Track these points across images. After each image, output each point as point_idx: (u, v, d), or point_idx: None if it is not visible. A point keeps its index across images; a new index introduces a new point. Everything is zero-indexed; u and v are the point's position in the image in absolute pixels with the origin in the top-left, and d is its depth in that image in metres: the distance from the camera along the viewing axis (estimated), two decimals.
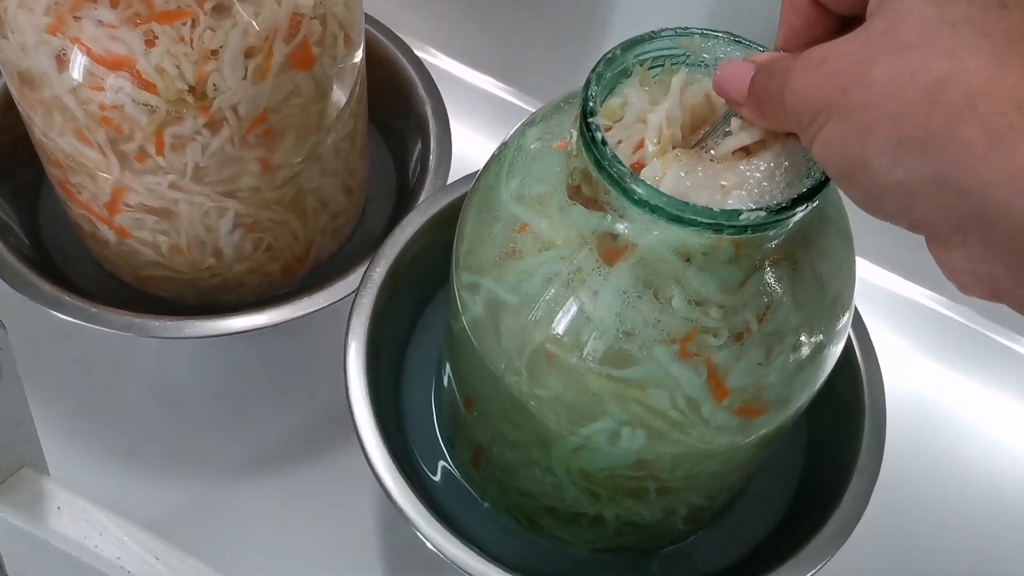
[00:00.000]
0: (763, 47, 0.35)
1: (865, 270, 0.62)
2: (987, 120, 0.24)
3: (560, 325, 0.35)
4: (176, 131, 0.43)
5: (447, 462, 0.49)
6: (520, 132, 0.40)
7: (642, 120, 0.35)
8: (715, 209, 0.31)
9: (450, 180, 0.56)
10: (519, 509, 0.46)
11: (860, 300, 0.56)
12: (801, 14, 0.31)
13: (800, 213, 0.32)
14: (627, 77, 0.36)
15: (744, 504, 0.49)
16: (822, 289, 0.37)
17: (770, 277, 0.34)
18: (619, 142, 0.35)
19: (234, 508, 0.51)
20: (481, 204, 0.39)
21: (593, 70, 0.35)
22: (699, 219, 0.31)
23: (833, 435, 0.50)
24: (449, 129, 0.58)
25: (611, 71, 0.35)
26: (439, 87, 0.60)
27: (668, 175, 0.33)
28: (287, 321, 0.49)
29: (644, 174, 0.33)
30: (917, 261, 0.61)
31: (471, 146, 0.63)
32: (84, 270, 0.56)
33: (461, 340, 0.41)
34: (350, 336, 0.47)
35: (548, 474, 0.41)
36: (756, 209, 0.31)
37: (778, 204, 0.31)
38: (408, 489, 0.42)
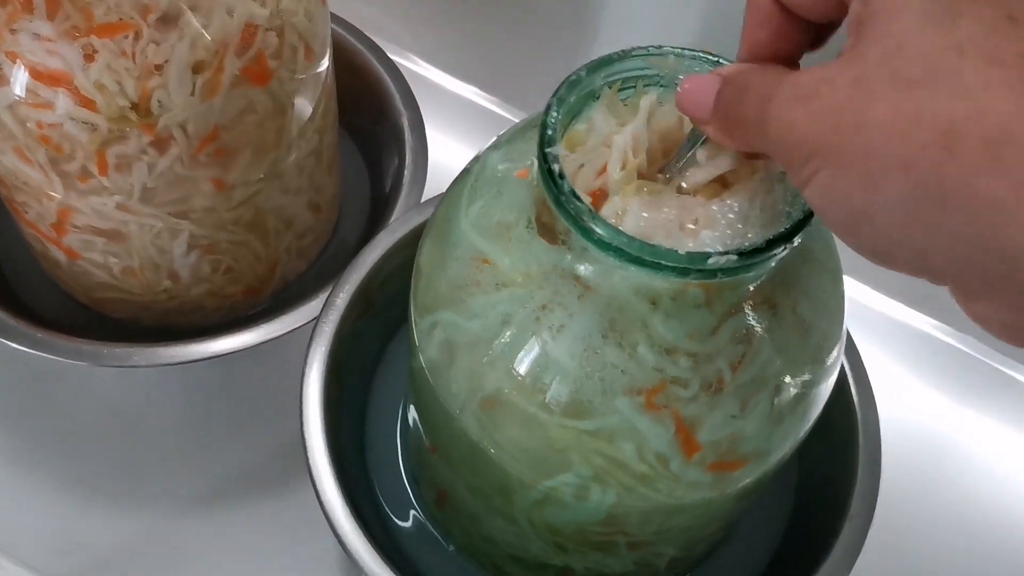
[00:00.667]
0: None
1: (861, 294, 0.58)
2: (1015, 172, 0.21)
3: (517, 369, 0.32)
4: (120, 151, 0.40)
5: (412, 502, 0.46)
6: (485, 155, 0.37)
7: (607, 144, 0.32)
8: (680, 252, 0.28)
9: (427, 195, 0.54)
10: (485, 555, 0.43)
11: (855, 325, 0.53)
12: (767, 24, 0.28)
13: (778, 255, 0.29)
14: (595, 100, 0.33)
15: (729, 549, 0.46)
16: (806, 332, 0.34)
17: (746, 322, 0.31)
18: (581, 166, 0.32)
19: (190, 542, 0.49)
20: (440, 231, 0.37)
21: (555, 94, 0.32)
22: (663, 263, 0.28)
23: (826, 474, 0.47)
24: (426, 142, 0.55)
25: (576, 94, 0.32)
26: (419, 95, 0.57)
27: (630, 212, 0.30)
28: (243, 349, 0.46)
29: (605, 210, 0.30)
30: (917, 286, 0.58)
31: (451, 157, 0.60)
32: (41, 290, 0.53)
33: (419, 378, 0.38)
34: (308, 368, 0.44)
35: (511, 524, 0.38)
36: (726, 252, 0.28)
37: (751, 246, 0.29)
38: (362, 536, 0.39)
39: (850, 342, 0.48)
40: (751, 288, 0.31)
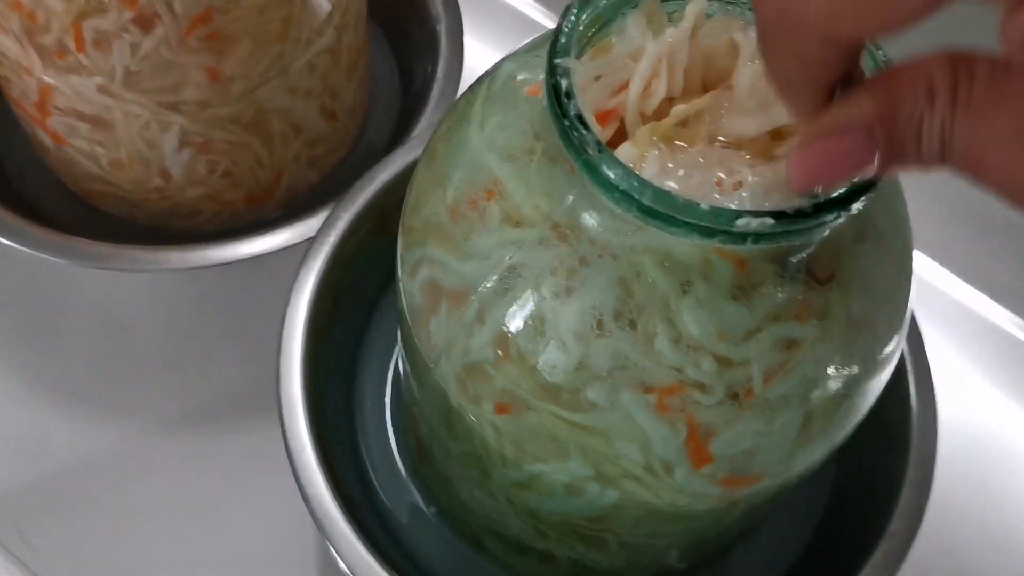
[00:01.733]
0: None
1: (933, 274, 0.51)
2: None
3: (509, 333, 0.27)
4: (97, 25, 0.36)
5: (394, 453, 0.42)
6: (501, 63, 0.31)
7: (635, 57, 0.26)
8: (702, 206, 0.22)
9: None
10: (463, 523, 0.38)
11: (922, 309, 0.46)
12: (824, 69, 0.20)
13: (828, 223, 0.23)
14: (632, 8, 0.27)
15: (743, 552, 0.40)
16: (859, 334, 0.28)
17: (789, 329, 0.25)
18: (597, 78, 0.26)
19: (161, 461, 0.45)
20: (447, 144, 0.31)
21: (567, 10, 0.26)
22: (681, 217, 0.22)
23: (868, 476, 0.41)
24: (462, 51, 0.49)
25: None
26: None
27: (651, 159, 0.24)
28: (234, 261, 0.42)
29: (621, 150, 0.25)
30: (1003, 278, 0.51)
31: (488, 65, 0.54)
32: (38, 183, 0.49)
33: (402, 319, 0.33)
34: (295, 293, 0.39)
35: (490, 497, 0.33)
36: (762, 213, 0.22)
37: (794, 208, 0.22)
38: (329, 495, 0.35)
39: (915, 330, 0.41)
40: (799, 281, 0.25)
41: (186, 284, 0.49)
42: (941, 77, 0.19)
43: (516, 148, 0.27)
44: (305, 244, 0.42)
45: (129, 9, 0.35)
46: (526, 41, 0.32)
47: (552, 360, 0.27)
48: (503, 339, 0.27)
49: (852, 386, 0.28)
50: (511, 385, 0.27)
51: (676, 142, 0.25)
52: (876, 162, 0.20)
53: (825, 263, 0.26)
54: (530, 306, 0.27)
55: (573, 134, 0.23)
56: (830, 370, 0.27)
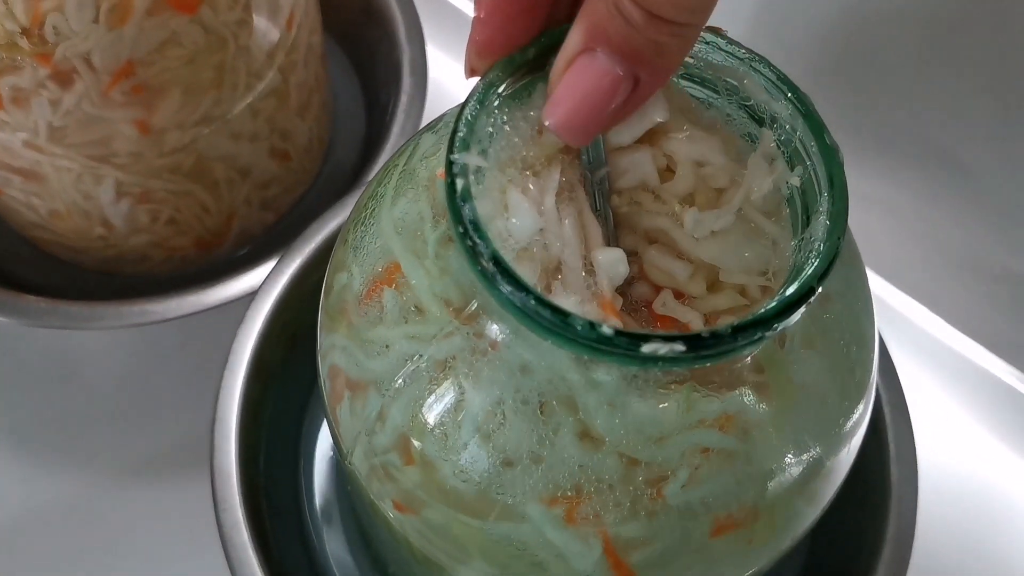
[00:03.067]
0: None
1: (922, 318, 0.48)
2: None
3: (406, 436, 0.25)
4: (13, 82, 0.34)
5: (340, 516, 0.40)
6: (420, 136, 0.29)
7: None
8: (606, 330, 0.20)
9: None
10: None
11: (901, 348, 0.43)
12: None
13: (749, 346, 0.21)
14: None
15: None
16: (818, 408, 0.25)
17: (710, 437, 0.23)
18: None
19: (107, 514, 0.44)
20: (358, 219, 0.29)
21: (482, 79, 0.23)
22: (581, 340, 0.20)
23: (846, 535, 0.39)
24: (425, 83, 0.47)
25: (517, 76, 0.24)
26: (430, 24, 0.49)
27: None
28: (171, 319, 0.40)
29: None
30: (993, 325, 0.47)
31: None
32: None
33: (323, 399, 0.31)
34: (231, 360, 0.38)
35: None
36: (673, 337, 0.20)
37: (708, 331, 0.20)
38: (257, 570, 0.33)
39: (894, 379, 0.38)
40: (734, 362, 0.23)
41: (136, 334, 0.47)
42: None
43: (421, 235, 0.25)
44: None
45: (44, 66, 0.33)
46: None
47: (453, 463, 0.25)
48: (403, 439, 0.25)
49: (805, 479, 0.26)
50: (414, 488, 0.25)
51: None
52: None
53: (759, 357, 0.24)
54: (433, 406, 0.25)
55: (466, 242, 0.21)
56: (773, 472, 0.25)
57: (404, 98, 0.46)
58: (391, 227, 0.27)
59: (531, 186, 0.24)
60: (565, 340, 0.20)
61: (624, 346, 0.20)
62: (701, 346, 0.20)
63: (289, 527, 0.39)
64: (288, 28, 0.39)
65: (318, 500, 0.40)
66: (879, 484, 0.38)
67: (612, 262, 0.23)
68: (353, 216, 0.29)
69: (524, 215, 0.23)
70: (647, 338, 0.20)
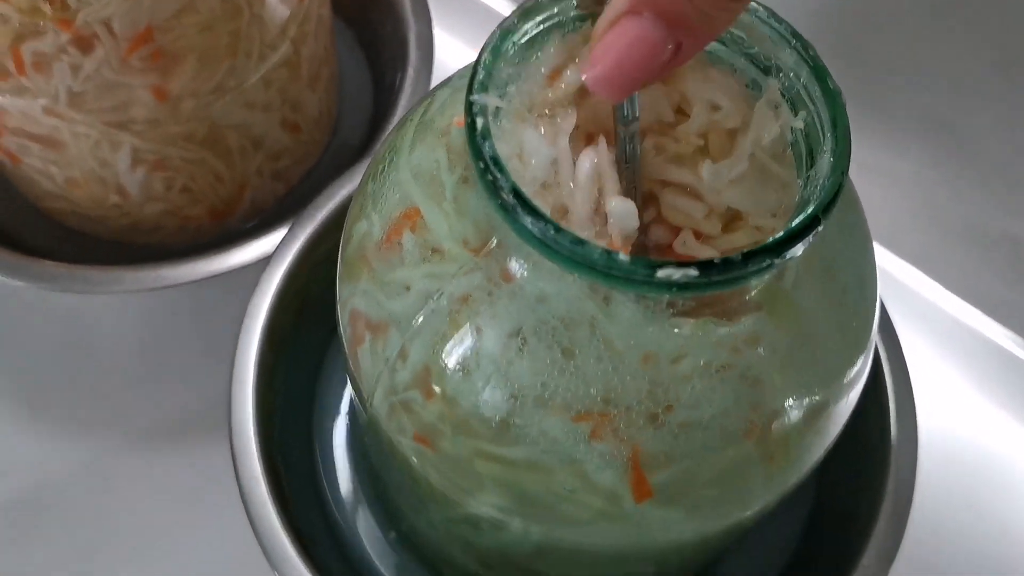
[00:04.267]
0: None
1: (919, 284, 0.49)
2: None
3: (427, 371, 0.26)
4: (35, 47, 0.35)
5: (353, 473, 0.41)
6: (437, 89, 0.30)
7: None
8: (621, 258, 0.21)
9: None
10: (420, 551, 0.37)
11: (907, 319, 0.44)
12: None
13: (760, 272, 0.22)
14: (569, 32, 0.26)
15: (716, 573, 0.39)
16: (819, 342, 0.26)
17: (732, 339, 0.24)
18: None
19: (127, 479, 0.44)
20: (378, 169, 0.30)
21: (500, 25, 0.24)
22: (599, 268, 0.21)
23: (844, 503, 0.40)
24: (431, 57, 0.48)
25: (534, 23, 0.25)
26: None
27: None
28: (185, 283, 0.41)
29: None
30: (992, 288, 0.49)
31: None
32: (5, 203, 0.49)
33: (342, 348, 0.32)
34: (247, 322, 0.39)
35: (433, 529, 0.32)
36: (686, 263, 0.21)
37: (720, 258, 0.21)
38: (281, 532, 0.34)
39: (895, 343, 0.39)
40: (743, 292, 0.24)
41: (151, 300, 0.48)
42: None
43: (438, 179, 0.26)
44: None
45: (66, 31, 0.34)
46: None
47: (472, 389, 0.25)
48: (425, 374, 0.26)
49: (815, 401, 0.27)
50: (436, 422, 0.26)
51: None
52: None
53: (766, 289, 0.25)
54: (453, 340, 0.25)
55: (487, 177, 0.22)
56: (785, 384, 0.26)
57: (411, 72, 0.47)
58: (409, 174, 0.27)
59: (545, 129, 0.25)
60: (583, 268, 0.21)
61: (640, 272, 0.21)
62: (713, 271, 0.21)
63: (304, 484, 0.39)
64: (300, 0, 0.40)
65: (332, 461, 0.41)
66: (879, 441, 0.39)
67: (624, 213, 0.23)
68: (371, 169, 0.30)
69: (538, 153, 0.23)
70: (661, 264, 0.21)
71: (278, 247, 0.40)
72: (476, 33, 0.55)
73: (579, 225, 0.24)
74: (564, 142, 0.24)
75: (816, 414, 0.27)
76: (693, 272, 0.21)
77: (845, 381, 0.28)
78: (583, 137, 0.26)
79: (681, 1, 0.20)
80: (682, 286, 0.21)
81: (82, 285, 0.40)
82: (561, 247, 0.21)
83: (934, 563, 0.43)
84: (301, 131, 0.46)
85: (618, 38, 0.21)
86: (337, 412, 0.42)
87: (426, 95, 0.30)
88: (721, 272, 0.21)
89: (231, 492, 0.40)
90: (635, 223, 0.23)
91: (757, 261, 0.21)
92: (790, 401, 0.26)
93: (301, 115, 0.45)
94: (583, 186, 0.24)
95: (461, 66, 0.31)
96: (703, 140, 0.24)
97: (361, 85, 0.53)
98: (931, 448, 0.44)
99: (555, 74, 0.25)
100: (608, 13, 0.21)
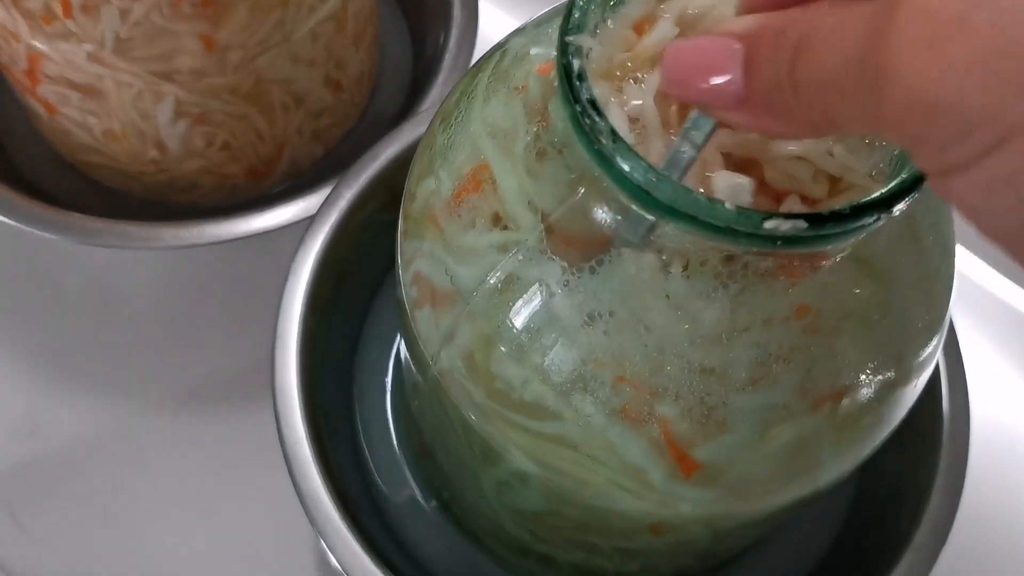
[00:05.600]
0: None
1: (970, 267, 0.48)
2: None
3: (494, 333, 0.25)
4: None
5: (395, 440, 0.40)
6: (510, 38, 0.29)
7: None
8: (728, 207, 0.20)
9: None
10: (463, 520, 0.37)
11: (957, 304, 0.44)
12: None
13: (866, 227, 0.21)
14: None
15: (755, 557, 0.38)
16: (894, 326, 0.25)
17: (804, 314, 0.23)
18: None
19: (156, 443, 0.44)
20: (445, 122, 0.29)
21: None
22: (702, 217, 0.20)
23: (895, 473, 0.39)
24: (476, 16, 0.47)
25: None
26: None
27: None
28: (226, 240, 0.40)
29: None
30: None
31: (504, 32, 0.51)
32: (35, 154, 0.47)
33: (400, 309, 0.31)
34: (292, 275, 0.38)
35: (482, 498, 0.31)
36: (794, 215, 0.20)
37: (830, 210, 0.20)
38: (323, 493, 0.33)
39: (949, 327, 0.39)
40: (822, 263, 0.23)
41: (184, 261, 0.47)
42: (844, 6, 0.17)
43: (518, 135, 0.25)
44: (307, 222, 0.40)
45: None
46: (545, 9, 0.29)
47: (549, 360, 0.25)
48: (490, 338, 0.25)
49: (882, 384, 0.26)
50: (500, 384, 0.26)
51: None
52: (737, 79, 0.18)
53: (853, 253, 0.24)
54: (521, 306, 0.25)
55: (584, 121, 0.21)
56: (842, 377, 0.25)
57: (455, 33, 0.46)
58: (482, 129, 0.26)
59: (629, 87, 0.24)
60: (684, 218, 0.20)
61: (747, 222, 0.20)
62: (822, 223, 0.20)
63: (345, 449, 0.39)
64: None
65: (373, 427, 0.40)
66: (930, 418, 0.38)
67: (734, 188, 0.22)
68: (439, 119, 0.29)
69: (617, 118, 0.22)
70: (769, 215, 0.20)
71: (321, 207, 0.39)
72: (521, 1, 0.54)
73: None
74: (650, 102, 0.23)
75: (884, 391, 0.26)
76: (802, 224, 0.20)
77: (920, 359, 0.27)
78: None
79: (774, 79, 0.18)
80: (789, 239, 0.20)
81: (120, 240, 0.39)
82: (663, 193, 0.20)
83: (985, 544, 0.42)
84: (343, 90, 0.45)
85: (704, 51, 0.19)
86: (379, 377, 0.41)
87: (496, 45, 0.29)
88: (831, 225, 0.20)
89: (267, 456, 0.40)
90: (748, 199, 0.22)
91: (866, 214, 0.20)
92: (864, 375, 0.25)
93: (344, 73, 0.44)
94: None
95: (505, 35, 0.30)
96: None
97: (401, 50, 0.52)
98: (981, 432, 0.43)
99: (640, 25, 0.24)
100: (723, 25, 0.19)
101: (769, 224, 0.20)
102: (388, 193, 0.42)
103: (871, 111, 0.16)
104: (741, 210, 0.20)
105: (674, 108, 0.23)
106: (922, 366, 0.27)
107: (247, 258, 0.47)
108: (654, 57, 0.24)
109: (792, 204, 0.23)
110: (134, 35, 0.35)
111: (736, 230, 0.20)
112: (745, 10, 0.19)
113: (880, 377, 0.26)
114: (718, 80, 0.18)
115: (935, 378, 0.38)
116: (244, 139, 0.42)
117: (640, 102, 0.23)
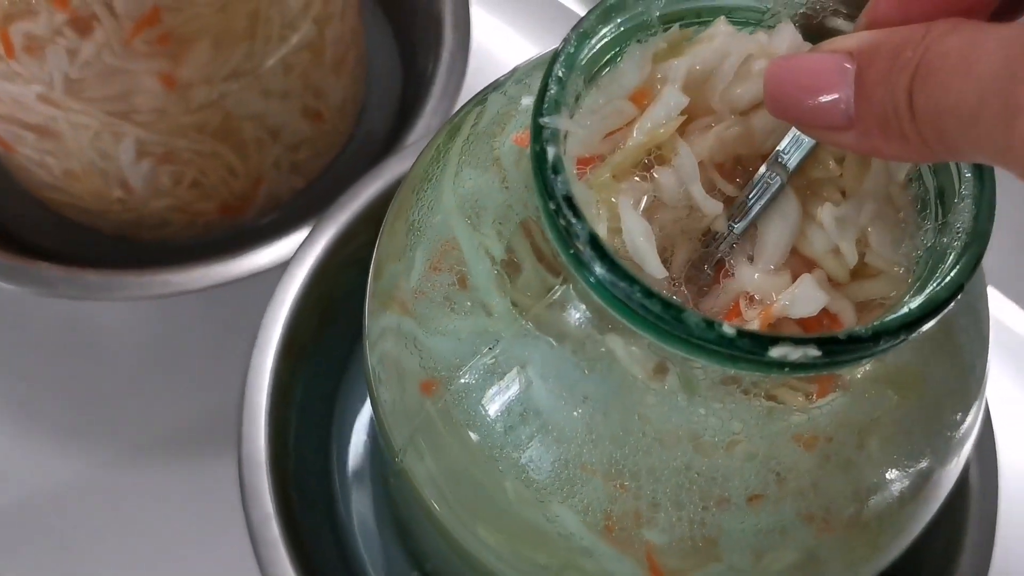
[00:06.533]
0: None
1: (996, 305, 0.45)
2: None
3: (466, 423, 0.22)
4: (27, 29, 0.31)
5: (374, 504, 0.37)
6: (488, 94, 0.26)
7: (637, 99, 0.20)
8: (728, 330, 0.17)
9: (464, 96, 0.43)
10: None
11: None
12: None
13: (887, 350, 0.18)
14: (648, 37, 0.21)
15: None
16: (926, 424, 0.22)
17: (806, 454, 0.20)
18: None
19: (126, 494, 0.41)
20: (415, 193, 0.26)
21: (575, 28, 0.20)
22: (695, 340, 0.17)
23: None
24: (468, 40, 0.43)
25: (613, 26, 0.20)
26: None
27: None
28: (194, 290, 0.37)
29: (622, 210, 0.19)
30: None
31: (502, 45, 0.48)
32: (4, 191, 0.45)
33: (368, 385, 0.28)
34: (261, 335, 0.35)
35: None
36: (804, 340, 0.17)
37: (846, 334, 0.17)
38: (289, 568, 0.31)
39: None
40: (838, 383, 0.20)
41: (157, 304, 0.44)
42: (971, 26, 0.16)
43: (490, 213, 0.22)
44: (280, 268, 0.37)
45: (61, 11, 0.30)
46: (539, 53, 0.26)
47: (526, 457, 0.22)
48: (461, 434, 0.22)
49: (895, 510, 0.23)
50: (471, 481, 0.23)
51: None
52: (847, 99, 0.17)
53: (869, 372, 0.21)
54: (507, 411, 0.22)
55: (559, 221, 0.18)
56: (855, 498, 0.22)
57: (445, 56, 0.43)
58: (454, 205, 0.23)
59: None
60: (672, 339, 0.17)
61: (748, 349, 0.17)
62: (837, 350, 0.17)
63: (321, 519, 0.36)
64: None
65: (352, 491, 0.37)
66: (958, 484, 0.35)
67: (809, 298, 0.19)
68: (408, 186, 0.26)
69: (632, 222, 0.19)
70: (775, 340, 0.17)
71: (297, 251, 0.37)
72: (518, 12, 0.51)
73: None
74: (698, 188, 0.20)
75: (912, 495, 0.23)
76: (814, 351, 0.17)
77: (949, 464, 0.24)
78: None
79: (889, 102, 0.16)
80: (798, 366, 0.17)
81: (80, 291, 0.36)
82: (649, 314, 0.17)
83: None
84: (324, 120, 0.42)
85: (814, 70, 0.17)
86: (360, 431, 0.39)
87: (475, 98, 0.26)
88: (846, 351, 0.17)
89: (238, 514, 0.37)
90: (814, 309, 0.19)
91: (889, 338, 0.17)
92: (884, 484, 0.22)
93: (324, 103, 0.41)
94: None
95: (502, 49, 0.27)
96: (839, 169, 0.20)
97: (389, 68, 0.49)
98: (1010, 485, 0.40)
99: (640, 95, 0.21)
100: (835, 42, 0.18)
101: (776, 352, 0.17)
102: (373, 228, 0.39)
103: (999, 144, 0.15)
104: (742, 333, 0.17)
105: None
106: (953, 460, 0.24)
107: (224, 300, 0.44)
108: (672, 140, 0.21)
109: (817, 279, 0.19)
110: (85, 75, 0.32)
111: (735, 356, 0.17)
112: (866, 26, 0.18)
113: (903, 488, 0.23)
114: (826, 99, 0.17)
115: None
116: (215, 176, 0.39)
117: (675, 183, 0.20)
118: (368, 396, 0.31)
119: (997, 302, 0.44)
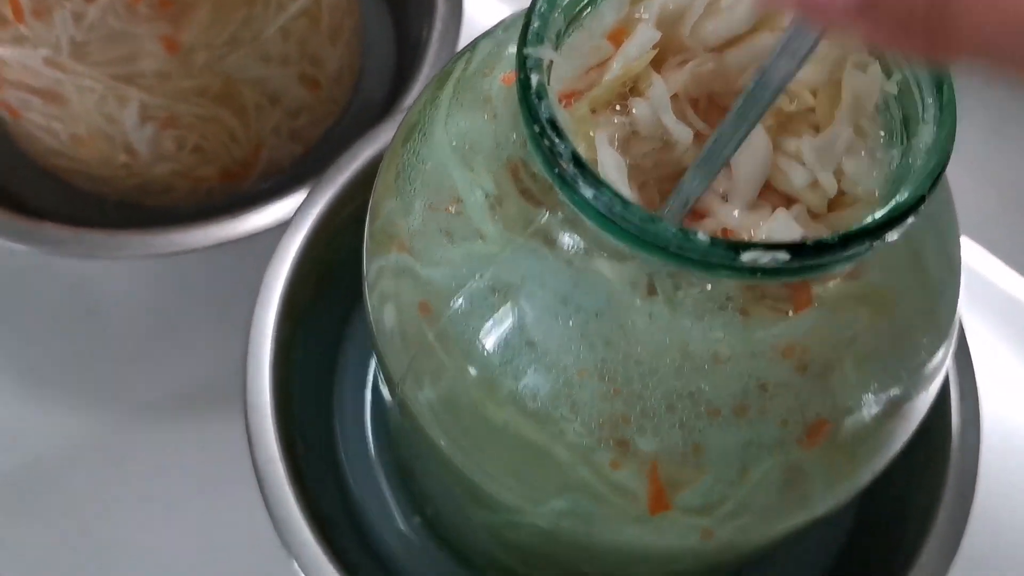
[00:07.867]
0: None
1: (981, 262, 0.46)
2: None
3: (464, 352, 0.23)
4: None
5: (375, 455, 0.38)
6: (478, 41, 0.27)
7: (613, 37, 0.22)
8: (700, 238, 0.18)
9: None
10: (448, 539, 0.35)
11: (968, 301, 0.42)
12: None
13: (856, 257, 0.19)
14: None
15: (756, 572, 0.37)
16: (896, 340, 0.24)
17: (800, 334, 0.21)
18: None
19: (134, 454, 0.42)
20: (408, 138, 0.27)
21: None
22: (672, 248, 0.18)
23: (898, 494, 0.37)
24: (461, 9, 0.45)
25: None
26: None
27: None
28: (198, 249, 0.38)
29: (599, 144, 0.20)
30: None
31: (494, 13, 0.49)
32: (7, 160, 0.46)
33: (369, 331, 0.29)
34: (263, 292, 0.36)
35: (468, 527, 0.30)
36: (775, 245, 0.18)
37: (814, 240, 0.18)
38: (298, 516, 0.32)
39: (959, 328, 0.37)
40: (811, 292, 0.21)
41: (160, 266, 0.45)
42: None
43: (482, 148, 0.23)
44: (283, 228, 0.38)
45: None
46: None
47: (522, 383, 0.23)
48: (461, 357, 0.24)
49: (875, 424, 0.24)
50: (470, 405, 0.24)
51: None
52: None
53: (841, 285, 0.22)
54: (492, 326, 0.23)
55: (543, 142, 0.19)
56: (854, 399, 0.23)
57: (438, 25, 0.44)
58: (447, 143, 0.25)
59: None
60: (651, 248, 0.19)
61: (720, 255, 0.18)
62: (805, 255, 0.18)
63: (323, 465, 0.37)
64: None
65: (352, 439, 0.39)
66: (938, 429, 0.36)
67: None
68: (402, 133, 0.27)
69: (607, 156, 0.20)
70: (746, 246, 0.18)
71: (297, 211, 0.38)
72: None
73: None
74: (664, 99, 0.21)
75: (888, 414, 0.24)
76: (783, 255, 0.18)
77: (924, 381, 0.25)
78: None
79: None
80: (768, 271, 0.18)
81: (87, 249, 0.38)
82: (629, 224, 0.18)
83: (993, 560, 0.40)
84: (321, 87, 0.43)
85: None
86: (360, 385, 0.40)
87: (465, 47, 0.27)
88: (814, 255, 0.18)
89: (244, 469, 0.38)
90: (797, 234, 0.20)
91: (855, 244, 0.18)
92: (861, 400, 0.23)
93: (321, 71, 0.42)
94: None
95: (493, 22, 0.28)
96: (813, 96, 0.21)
97: (384, 39, 0.50)
98: (992, 437, 0.41)
99: (616, 34, 0.22)
100: None
101: (747, 256, 0.18)
102: (371, 191, 0.40)
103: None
104: (715, 241, 0.18)
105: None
106: (926, 388, 0.25)
107: (226, 262, 0.46)
108: (646, 73, 0.22)
109: (798, 212, 0.21)
110: (91, 39, 0.33)
111: (710, 263, 0.18)
112: None
113: (879, 405, 0.24)
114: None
115: (943, 388, 0.36)
116: (216, 141, 0.40)
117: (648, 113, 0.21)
118: (368, 342, 0.32)
119: (981, 260, 0.46)
